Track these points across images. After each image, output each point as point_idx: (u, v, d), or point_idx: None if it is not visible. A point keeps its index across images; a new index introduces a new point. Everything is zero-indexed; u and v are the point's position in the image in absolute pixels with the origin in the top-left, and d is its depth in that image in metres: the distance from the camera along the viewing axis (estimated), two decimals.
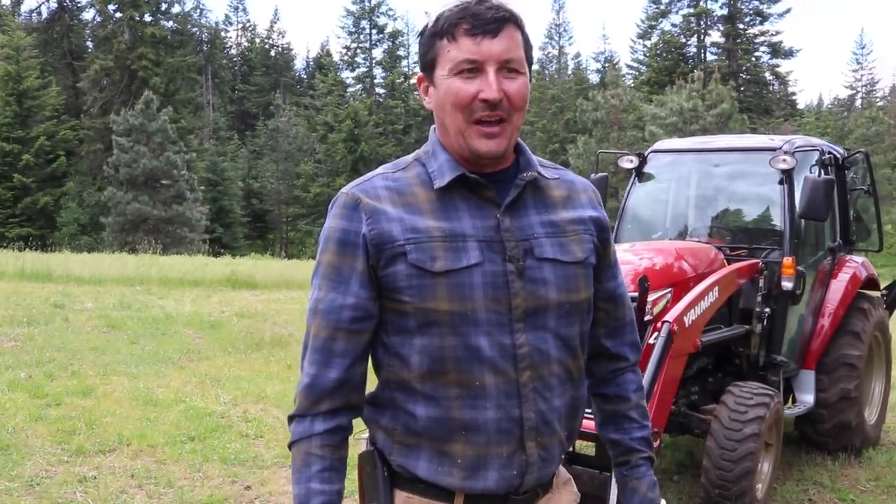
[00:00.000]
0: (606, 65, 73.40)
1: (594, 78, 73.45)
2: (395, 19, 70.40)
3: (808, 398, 6.32)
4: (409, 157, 1.85)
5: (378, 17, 65.78)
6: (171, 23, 61.40)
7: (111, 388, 8.06)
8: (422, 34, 1.78)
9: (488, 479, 1.74)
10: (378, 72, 66.19)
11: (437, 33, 1.71)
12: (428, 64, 1.75)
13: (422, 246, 1.69)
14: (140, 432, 6.58)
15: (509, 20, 1.69)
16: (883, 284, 7.51)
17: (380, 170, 1.84)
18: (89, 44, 61.55)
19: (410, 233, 1.70)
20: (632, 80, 64.32)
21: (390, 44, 66.19)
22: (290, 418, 1.81)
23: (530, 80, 1.78)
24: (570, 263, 1.78)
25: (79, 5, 62.39)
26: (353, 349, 1.75)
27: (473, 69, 1.68)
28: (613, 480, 3.65)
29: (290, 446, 1.81)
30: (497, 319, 1.70)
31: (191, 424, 6.89)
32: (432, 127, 1.86)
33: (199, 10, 76.49)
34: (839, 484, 5.97)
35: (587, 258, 1.83)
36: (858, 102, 76.40)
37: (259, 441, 6.60)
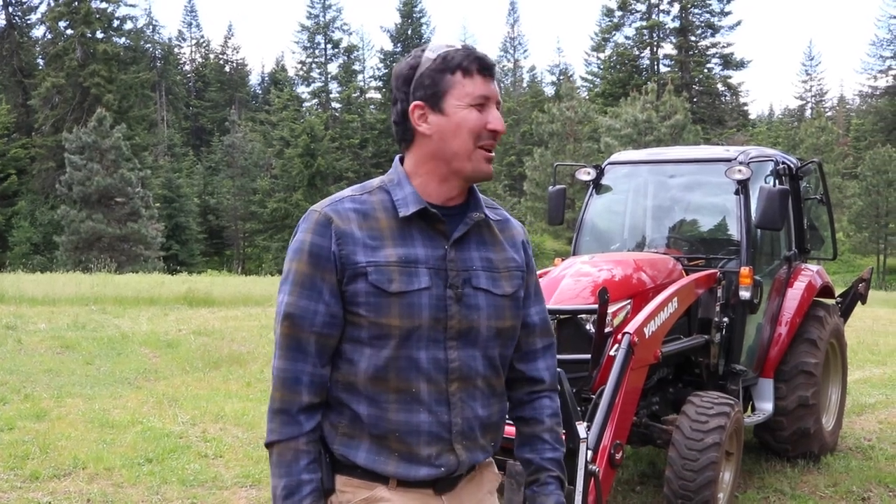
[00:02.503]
0: (561, 77, 73.88)
1: (549, 90, 74.00)
2: (351, 34, 70.33)
3: (766, 406, 6.36)
4: (375, 182, 2.09)
5: (333, 31, 65.60)
6: (123, 39, 60.86)
7: (66, 411, 7.91)
8: (412, 69, 2.02)
9: (420, 471, 1.97)
10: (334, 86, 65.98)
11: (449, 69, 1.98)
12: (436, 95, 1.98)
13: (381, 269, 1.93)
14: (96, 455, 6.44)
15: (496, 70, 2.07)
16: (837, 292, 7.61)
17: (348, 191, 2.06)
18: (40, 61, 60.70)
19: (372, 256, 1.94)
20: (587, 93, 64.94)
21: (346, 58, 66.03)
22: (273, 413, 1.98)
23: None
24: (499, 296, 2.05)
25: (28, 22, 61.64)
26: (323, 351, 1.97)
27: (482, 104, 1.99)
28: (578, 495, 3.62)
29: (271, 444, 1.99)
30: (435, 336, 1.96)
31: (148, 446, 6.76)
32: (398, 157, 2.09)
33: (151, 27, 76.00)
34: (799, 491, 6.01)
35: (515, 292, 2.10)
36: (808, 112, 77.80)
37: (218, 461, 6.50)
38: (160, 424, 7.45)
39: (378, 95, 67.88)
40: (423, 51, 2.04)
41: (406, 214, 1.97)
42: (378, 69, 67.83)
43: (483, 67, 2.00)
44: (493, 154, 2.04)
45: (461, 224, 2.03)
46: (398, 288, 1.92)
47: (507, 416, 2.19)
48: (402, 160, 2.09)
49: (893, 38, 69.06)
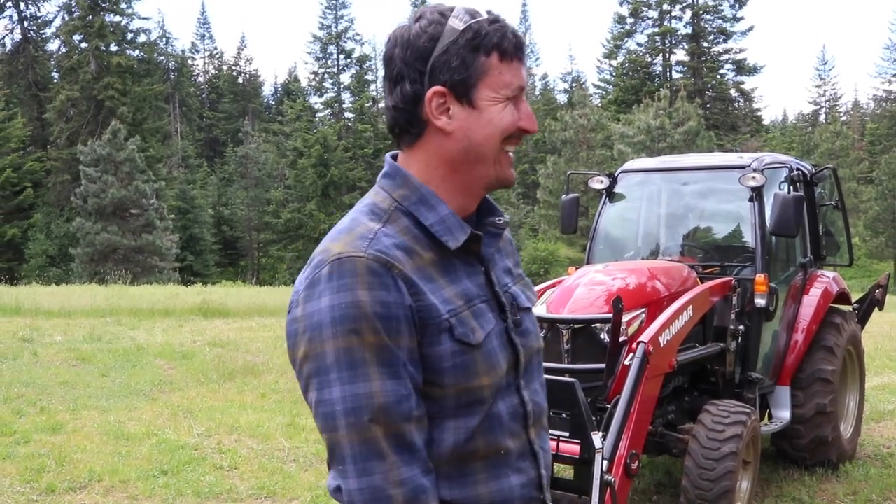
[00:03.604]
0: (574, 85, 73.90)
1: (562, 98, 73.99)
2: (363, 44, 70.41)
3: (783, 414, 6.32)
4: (382, 205, 1.54)
5: (345, 42, 65.82)
6: (137, 52, 61.04)
7: (81, 424, 7.93)
8: (431, 40, 1.50)
9: None
10: (346, 96, 66.17)
11: (481, 48, 1.49)
12: (466, 82, 1.50)
13: (460, 317, 1.47)
14: (111, 468, 6.46)
15: None
16: (854, 298, 7.56)
17: (365, 221, 1.51)
18: (55, 74, 61.06)
19: (448, 303, 1.47)
20: (599, 100, 64.87)
21: (358, 68, 66.20)
22: None
23: None
24: (531, 310, 1.69)
25: (43, 36, 61.95)
26: (424, 441, 1.45)
27: (517, 97, 1.54)
28: None
29: None
30: (509, 381, 1.55)
31: (163, 458, 6.77)
32: (390, 156, 1.64)
33: (165, 39, 76.26)
34: (817, 499, 5.97)
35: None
36: (822, 117, 77.50)
37: (233, 473, 6.50)
38: (175, 436, 7.46)
39: None
40: (445, 16, 1.50)
41: (458, 245, 1.51)
42: None
43: (519, 49, 1.52)
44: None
45: (486, 236, 1.59)
46: (480, 336, 1.48)
47: None
48: (395, 158, 1.62)
49: None
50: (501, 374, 1.52)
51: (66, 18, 57.12)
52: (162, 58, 72.91)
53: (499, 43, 1.49)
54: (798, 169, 6.68)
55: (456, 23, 1.49)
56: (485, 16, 1.51)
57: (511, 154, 1.56)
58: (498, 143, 1.52)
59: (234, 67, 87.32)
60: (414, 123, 1.54)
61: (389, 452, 1.39)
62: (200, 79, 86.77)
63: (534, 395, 1.61)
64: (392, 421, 1.39)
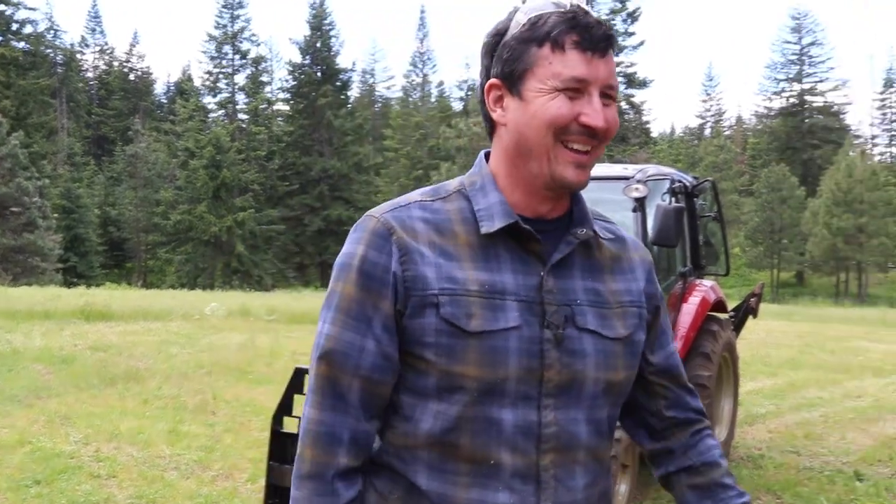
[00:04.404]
0: (469, 93, 74.50)
1: (458, 106, 74.47)
2: (259, 45, 69.72)
3: None
4: (452, 185, 1.60)
5: (241, 42, 64.84)
6: (22, 43, 58.98)
7: None
8: (498, 35, 1.53)
9: None
10: (241, 97, 65.16)
11: (535, 39, 1.46)
12: (516, 73, 1.48)
13: (458, 299, 1.45)
14: None
15: (615, 42, 1.50)
16: (731, 306, 7.84)
17: (416, 195, 1.58)
18: None
19: (447, 282, 1.46)
20: None
21: (253, 69, 65.29)
22: (301, 479, 1.51)
23: None
24: (611, 339, 1.54)
25: None
26: (370, 402, 1.50)
27: (577, 89, 1.45)
28: None
29: None
30: (526, 392, 1.47)
31: (37, 467, 6.54)
32: (483, 152, 1.63)
33: (53, 31, 73.84)
34: None
35: (632, 335, 1.58)
36: (707, 131, 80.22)
37: (111, 481, 6.32)
38: (51, 444, 7.21)
39: (286, 107, 67.33)
40: (518, 10, 1.52)
41: (490, 231, 1.49)
42: (286, 81, 67.33)
43: (585, 39, 1.45)
44: (589, 156, 1.49)
45: (562, 244, 1.53)
46: (479, 326, 1.44)
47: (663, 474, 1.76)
48: (487, 156, 1.61)
49: (787, 62, 71.88)
50: (505, 377, 1.45)
51: None
52: (49, 51, 70.60)
53: (550, 32, 1.45)
54: (680, 181, 6.89)
55: (521, 16, 1.49)
56: (557, 8, 1.47)
57: (577, 154, 1.47)
58: (546, 137, 1.46)
59: (125, 64, 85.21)
60: (487, 117, 1.56)
61: (323, 393, 1.50)
62: (90, 74, 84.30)
63: (567, 423, 1.50)
64: (334, 367, 1.48)
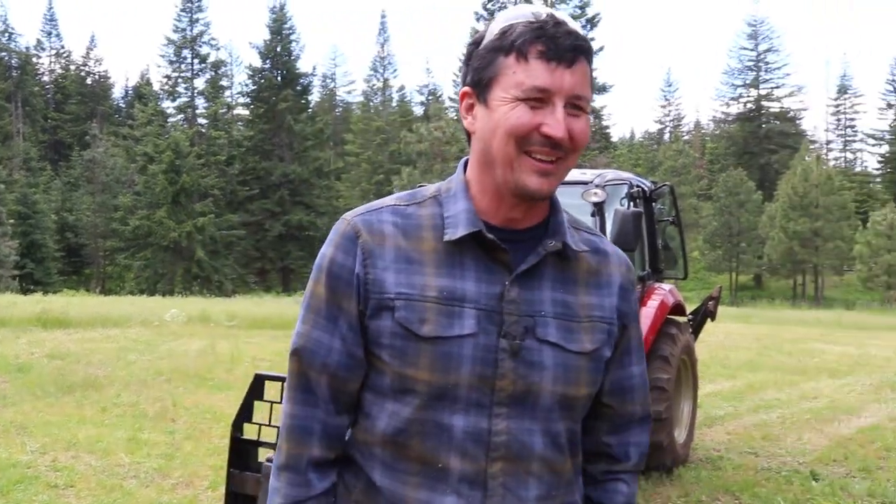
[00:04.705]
0: (430, 98, 74.69)
1: (418, 110, 74.55)
2: (219, 49, 68.95)
3: None
4: (429, 190, 1.61)
5: (200, 46, 64.29)
6: None
7: None
8: (476, 44, 1.53)
9: None
10: (200, 102, 64.59)
11: (503, 49, 1.46)
12: (483, 81, 1.49)
13: (413, 304, 1.47)
14: None
15: (586, 52, 1.48)
16: (689, 309, 7.92)
17: (392, 199, 1.60)
18: None
19: (405, 286, 1.48)
20: (454, 113, 65.62)
21: (213, 73, 64.75)
22: (279, 470, 1.57)
23: None
24: (574, 353, 1.53)
25: None
26: (337, 397, 1.56)
27: (540, 99, 1.44)
28: None
29: None
30: (478, 399, 1.48)
31: None
32: (464, 159, 1.62)
33: (7, 34, 72.81)
34: (652, 502, 6.22)
35: (597, 350, 1.57)
36: (667, 136, 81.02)
37: (69, 491, 6.24)
38: (6, 454, 7.10)
39: (246, 112, 66.93)
40: (496, 19, 1.53)
41: (452, 238, 1.50)
42: (246, 85, 66.92)
43: (550, 49, 1.44)
44: (553, 166, 1.47)
45: (531, 254, 1.53)
46: (432, 332, 1.46)
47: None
48: (467, 163, 1.61)
49: (744, 68, 72.81)
50: (456, 383, 1.46)
51: None
52: (3, 54, 69.62)
53: (515, 41, 1.44)
54: (638, 186, 6.95)
55: (495, 25, 1.49)
56: (531, 17, 1.46)
57: (539, 163, 1.46)
58: (508, 146, 1.46)
59: (82, 67, 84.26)
60: (463, 127, 1.58)
61: (295, 388, 1.57)
62: (46, 78, 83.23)
63: (519, 433, 1.50)
64: (304, 363, 1.55)
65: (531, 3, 1.51)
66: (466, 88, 1.53)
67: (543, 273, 1.53)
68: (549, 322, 1.51)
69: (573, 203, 6.52)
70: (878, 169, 76.69)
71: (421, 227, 1.53)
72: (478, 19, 62.74)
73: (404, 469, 1.50)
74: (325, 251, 1.56)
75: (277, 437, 1.63)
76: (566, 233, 1.56)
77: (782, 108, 71.16)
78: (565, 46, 1.44)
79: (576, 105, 1.47)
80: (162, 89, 65.27)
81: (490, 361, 1.47)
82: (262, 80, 64.68)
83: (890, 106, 74.62)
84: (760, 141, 69.63)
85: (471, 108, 1.53)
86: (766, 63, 71.82)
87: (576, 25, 1.48)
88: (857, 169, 79.39)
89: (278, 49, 64.80)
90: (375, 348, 1.50)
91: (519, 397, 1.49)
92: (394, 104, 77.47)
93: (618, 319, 1.62)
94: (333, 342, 1.53)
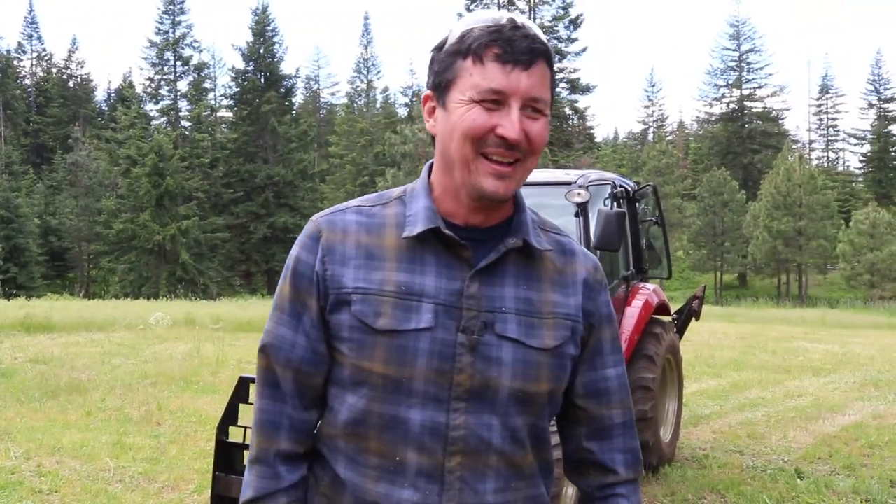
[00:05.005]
0: (414, 99, 74.60)
1: (402, 112, 74.50)
2: (201, 51, 68.69)
3: None
4: (395, 191, 1.65)
5: (183, 48, 64.06)
6: None
7: None
8: (438, 49, 1.56)
9: None
10: (183, 104, 64.35)
11: (461, 52, 1.49)
12: (443, 84, 1.52)
13: (369, 298, 1.51)
14: None
15: (543, 54, 1.50)
16: (673, 309, 7.95)
17: (358, 200, 1.65)
18: None
19: (363, 281, 1.52)
20: None
21: (196, 76, 64.52)
22: (250, 464, 1.62)
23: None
24: (534, 349, 1.54)
25: None
26: (303, 391, 1.60)
27: (496, 101, 1.46)
28: None
29: (248, 503, 1.61)
30: (435, 394, 1.50)
31: None
32: (428, 163, 1.65)
33: None
34: None
35: (559, 346, 1.57)
36: (650, 136, 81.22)
37: (54, 496, 6.21)
38: None
39: (229, 114, 66.68)
40: (459, 23, 1.57)
41: (411, 234, 1.53)
42: (229, 87, 66.67)
43: (506, 52, 1.46)
44: (510, 168, 1.49)
45: (493, 251, 1.55)
46: (386, 325, 1.49)
47: None
48: (431, 167, 1.65)
49: (727, 69, 73.08)
50: (411, 376, 1.49)
51: None
52: None
53: (472, 45, 1.47)
54: (621, 186, 6.98)
55: (457, 29, 1.52)
56: (489, 21, 1.49)
57: (495, 165, 1.48)
58: (465, 148, 1.48)
59: (64, 70, 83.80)
60: (427, 128, 1.60)
61: (263, 383, 1.63)
62: (27, 81, 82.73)
63: (478, 427, 1.51)
64: (270, 358, 1.61)
65: (512, 7, 1.49)
66: (428, 92, 1.57)
67: (506, 270, 1.56)
68: (508, 318, 1.53)
69: (556, 203, 6.53)
70: (860, 168, 77.25)
71: (384, 226, 1.57)
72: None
73: (364, 462, 1.54)
74: (293, 251, 1.62)
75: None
76: (529, 231, 1.58)
77: (765, 107, 71.44)
78: (521, 49, 1.46)
79: (533, 108, 1.49)
80: (144, 92, 65.00)
81: (448, 356, 1.50)
82: (246, 83, 64.44)
83: (871, 105, 75.24)
84: (743, 141, 69.91)
85: (433, 111, 1.56)
86: (749, 63, 72.12)
87: (536, 30, 1.51)
88: (840, 168, 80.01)
89: (261, 51, 64.61)
90: (336, 342, 1.55)
91: (477, 392, 1.50)
92: (378, 106, 77.45)
93: (584, 318, 1.62)
94: (297, 338, 1.58)
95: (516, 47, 1.46)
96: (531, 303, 1.56)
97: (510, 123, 1.45)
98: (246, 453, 4.12)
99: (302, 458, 1.63)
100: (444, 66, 1.52)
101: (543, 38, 1.51)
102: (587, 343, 1.65)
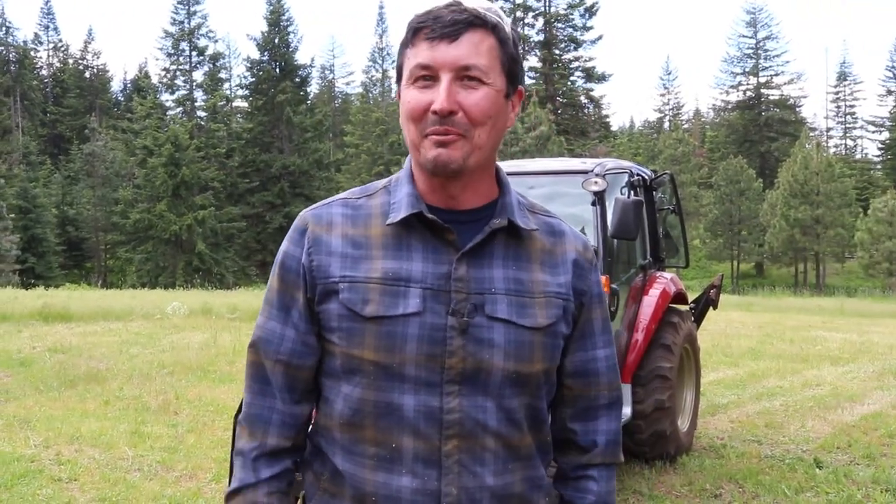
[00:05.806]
0: None
1: None
2: (216, 41, 68.95)
3: (625, 410, 6.54)
4: (381, 182, 1.67)
5: (198, 38, 64.22)
6: None
7: None
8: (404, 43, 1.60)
9: None
10: (199, 94, 64.48)
11: (405, 42, 1.54)
12: (397, 76, 1.57)
13: (356, 286, 1.52)
14: None
15: (473, 23, 1.49)
16: (691, 297, 7.91)
17: (345, 193, 1.68)
18: None
19: (350, 270, 1.54)
20: None
21: (211, 66, 64.66)
22: (234, 455, 1.66)
23: (512, 93, 1.57)
24: (526, 328, 1.54)
25: None
26: (293, 385, 1.62)
27: (429, 77, 1.48)
28: None
29: (231, 494, 1.62)
30: (427, 378, 1.50)
31: None
32: (409, 157, 1.66)
33: (5, 28, 72.69)
34: (656, 491, 6.21)
35: (552, 325, 1.58)
36: (666, 125, 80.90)
37: (73, 484, 6.24)
38: (10, 448, 7.11)
39: (244, 104, 66.77)
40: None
41: (394, 221, 1.54)
42: (244, 77, 66.72)
43: (433, 29, 1.48)
44: (450, 137, 1.47)
45: (478, 234, 1.55)
46: (374, 311, 1.50)
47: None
48: None
49: (743, 56, 72.62)
50: (402, 361, 1.50)
51: None
52: (1, 48, 69.50)
53: (408, 32, 1.53)
54: (638, 174, 6.94)
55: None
56: (428, 7, 1.52)
57: (437, 137, 1.48)
58: (411, 131, 1.52)
59: (80, 61, 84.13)
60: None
61: (252, 378, 1.64)
62: (44, 72, 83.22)
63: (473, 410, 1.51)
64: (259, 353, 1.63)
65: None
66: (398, 84, 1.58)
67: (493, 251, 1.57)
68: (499, 299, 1.53)
69: (573, 192, 6.51)
70: (878, 156, 76.73)
71: (370, 216, 1.59)
72: None
73: (361, 451, 1.54)
74: (282, 246, 1.64)
75: None
76: (514, 212, 1.59)
77: (782, 95, 71.01)
78: (445, 22, 1.47)
79: (468, 76, 1.48)
80: (160, 82, 65.22)
81: (439, 340, 1.50)
82: (261, 72, 64.48)
83: (890, 92, 74.61)
84: (760, 129, 69.53)
85: (399, 100, 1.58)
86: (766, 50, 71.68)
87: (475, 4, 1.51)
88: (858, 156, 79.46)
89: (276, 41, 64.62)
90: (327, 333, 1.56)
91: (470, 375, 1.51)
92: (393, 95, 77.07)
93: (574, 297, 1.63)
94: (286, 331, 1.60)
95: (441, 22, 1.47)
96: (521, 283, 1.57)
97: (439, 97, 1.46)
98: None
99: (288, 452, 1.64)
100: (398, 57, 1.57)
101: (481, 10, 1.50)
102: (577, 322, 1.66)
